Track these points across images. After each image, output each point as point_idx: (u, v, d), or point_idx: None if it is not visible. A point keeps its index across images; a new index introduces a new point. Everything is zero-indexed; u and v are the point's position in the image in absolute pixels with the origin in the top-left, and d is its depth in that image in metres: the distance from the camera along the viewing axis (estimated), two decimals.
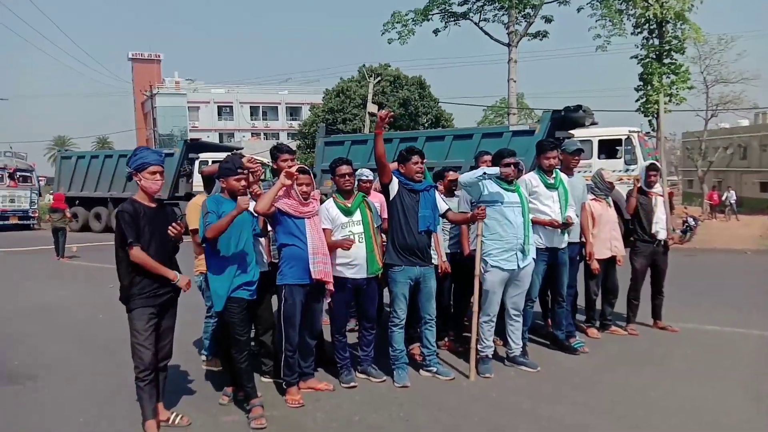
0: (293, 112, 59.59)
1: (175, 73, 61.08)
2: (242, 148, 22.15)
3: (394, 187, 4.67)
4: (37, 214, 25.08)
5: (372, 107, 26.01)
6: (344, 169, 4.60)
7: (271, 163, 4.97)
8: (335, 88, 34.94)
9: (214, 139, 47.18)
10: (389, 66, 35.23)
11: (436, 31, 26.24)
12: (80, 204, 22.31)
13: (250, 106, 58.71)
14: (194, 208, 4.61)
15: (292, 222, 4.24)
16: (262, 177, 4.67)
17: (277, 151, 4.76)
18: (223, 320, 4.12)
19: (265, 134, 56.49)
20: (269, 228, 4.43)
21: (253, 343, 4.64)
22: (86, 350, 5.93)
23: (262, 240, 4.45)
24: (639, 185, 6.26)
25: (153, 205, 3.80)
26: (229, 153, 5.46)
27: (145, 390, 3.74)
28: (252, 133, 55.99)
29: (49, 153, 59.28)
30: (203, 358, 5.17)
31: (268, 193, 4.09)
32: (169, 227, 3.72)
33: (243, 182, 4.01)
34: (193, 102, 56.77)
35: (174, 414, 4.03)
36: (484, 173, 4.74)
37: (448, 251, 5.43)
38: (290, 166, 4.54)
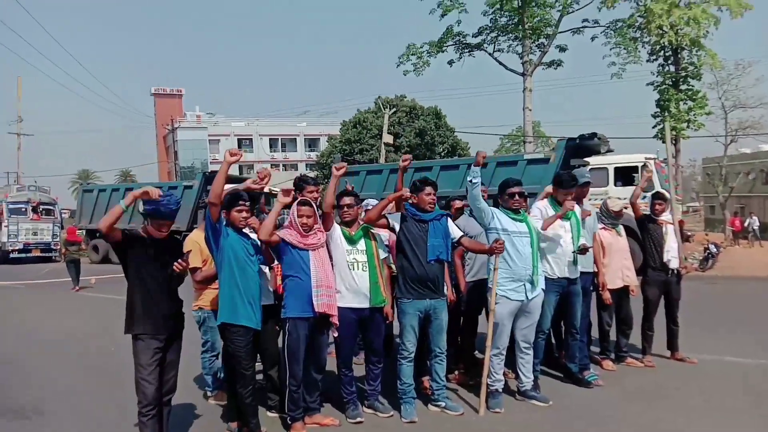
0: (311, 143, 60.37)
1: (197, 107, 62.67)
2: None
3: (395, 222, 4.67)
4: (58, 247, 25.47)
5: (387, 137, 26.24)
6: (344, 200, 4.60)
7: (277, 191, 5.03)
8: (352, 119, 35.28)
9: (234, 170, 47.55)
10: (405, 97, 35.54)
11: (450, 62, 26.48)
12: (101, 236, 22.61)
13: (270, 138, 59.65)
14: (192, 246, 4.58)
15: (296, 254, 4.22)
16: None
17: (303, 183, 4.87)
18: (227, 354, 4.10)
19: (284, 165, 57.15)
20: (275, 261, 4.43)
21: (260, 377, 4.60)
22: (96, 384, 5.91)
23: (267, 272, 4.44)
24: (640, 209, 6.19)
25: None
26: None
27: (147, 425, 3.72)
28: (271, 165, 56.64)
29: (73, 186, 60.44)
30: (208, 393, 5.14)
31: (269, 217, 4.10)
32: (175, 263, 3.73)
33: (244, 213, 4.03)
34: (213, 135, 57.88)
35: None
36: (471, 180, 4.68)
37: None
38: (315, 198, 4.58)
